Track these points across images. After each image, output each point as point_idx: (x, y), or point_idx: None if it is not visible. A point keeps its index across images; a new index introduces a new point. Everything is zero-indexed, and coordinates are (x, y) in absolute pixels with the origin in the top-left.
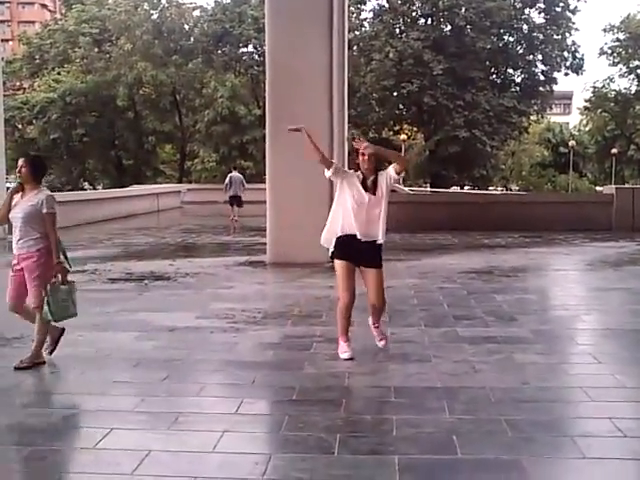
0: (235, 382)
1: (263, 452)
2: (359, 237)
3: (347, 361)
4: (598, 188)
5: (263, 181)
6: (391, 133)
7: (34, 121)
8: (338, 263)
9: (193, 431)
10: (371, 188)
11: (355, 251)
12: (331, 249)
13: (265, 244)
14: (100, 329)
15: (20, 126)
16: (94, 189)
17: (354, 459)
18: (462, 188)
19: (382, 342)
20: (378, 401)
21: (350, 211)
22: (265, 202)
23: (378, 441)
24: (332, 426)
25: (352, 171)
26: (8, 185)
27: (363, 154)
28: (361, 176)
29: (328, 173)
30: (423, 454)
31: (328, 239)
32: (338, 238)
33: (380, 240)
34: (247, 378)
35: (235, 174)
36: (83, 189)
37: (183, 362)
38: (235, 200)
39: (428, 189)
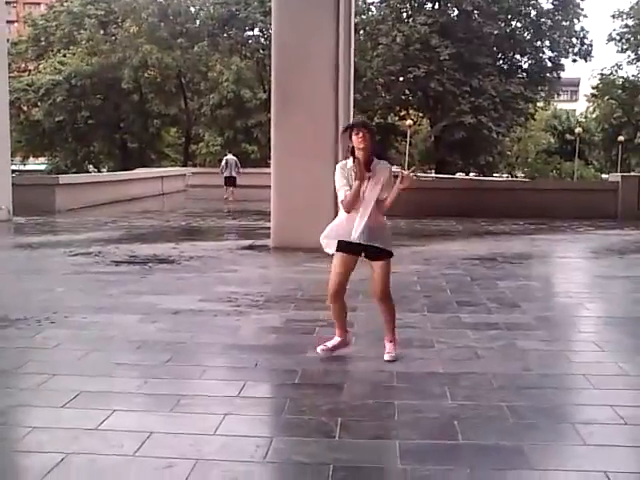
0: (238, 365)
1: (265, 435)
2: (356, 240)
3: (349, 346)
4: (604, 176)
5: (268, 165)
6: (397, 118)
7: (39, 103)
8: (335, 254)
9: (195, 413)
10: (366, 177)
11: (355, 245)
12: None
13: (269, 228)
14: (104, 311)
15: (25, 108)
16: (99, 172)
17: (355, 443)
18: (467, 174)
19: (388, 355)
20: (380, 386)
21: (348, 216)
22: (269, 186)
23: (380, 425)
24: (334, 410)
25: (344, 162)
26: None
27: (357, 132)
28: (357, 166)
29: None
30: (424, 439)
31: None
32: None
33: (381, 246)
34: (249, 361)
35: (230, 157)
36: (88, 172)
37: (186, 345)
38: (230, 181)
39: (433, 175)
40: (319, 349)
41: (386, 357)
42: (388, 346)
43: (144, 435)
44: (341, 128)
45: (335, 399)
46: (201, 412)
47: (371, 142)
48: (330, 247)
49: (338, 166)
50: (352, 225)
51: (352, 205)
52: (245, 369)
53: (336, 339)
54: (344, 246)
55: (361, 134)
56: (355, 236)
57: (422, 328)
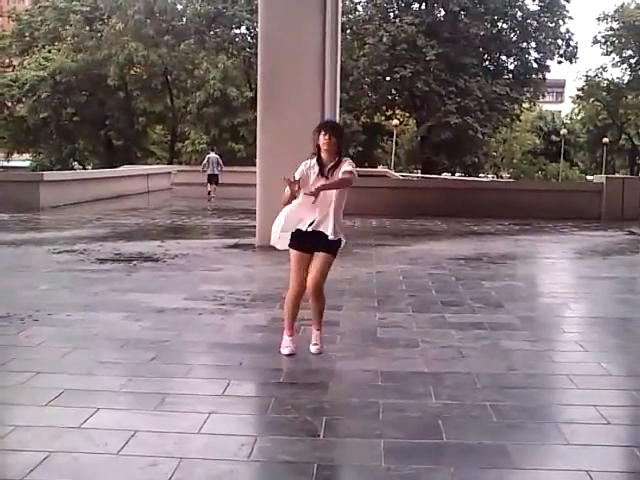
0: (222, 364)
1: (249, 434)
2: (305, 228)
3: (332, 344)
4: (588, 177)
5: (254, 164)
6: (383, 118)
7: (24, 99)
8: (291, 253)
9: (179, 412)
10: (328, 174)
11: (307, 240)
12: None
13: (254, 227)
14: (88, 309)
15: (9, 104)
16: (84, 169)
17: (340, 442)
18: (453, 175)
19: (315, 347)
20: (365, 385)
21: (300, 202)
22: (255, 185)
23: (364, 425)
24: (318, 409)
25: (309, 161)
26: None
27: (325, 134)
28: (316, 165)
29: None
30: (408, 438)
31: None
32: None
33: (330, 236)
34: (234, 360)
35: (212, 155)
36: (73, 169)
37: (171, 343)
38: (212, 178)
39: (419, 175)
40: (313, 349)
41: (313, 349)
42: (314, 335)
43: (128, 434)
44: None
45: (320, 398)
46: (185, 411)
47: (336, 145)
48: (282, 243)
49: (303, 163)
50: (304, 216)
51: (285, 204)
52: (230, 368)
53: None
54: (297, 244)
55: (327, 136)
56: (309, 228)
57: (407, 328)
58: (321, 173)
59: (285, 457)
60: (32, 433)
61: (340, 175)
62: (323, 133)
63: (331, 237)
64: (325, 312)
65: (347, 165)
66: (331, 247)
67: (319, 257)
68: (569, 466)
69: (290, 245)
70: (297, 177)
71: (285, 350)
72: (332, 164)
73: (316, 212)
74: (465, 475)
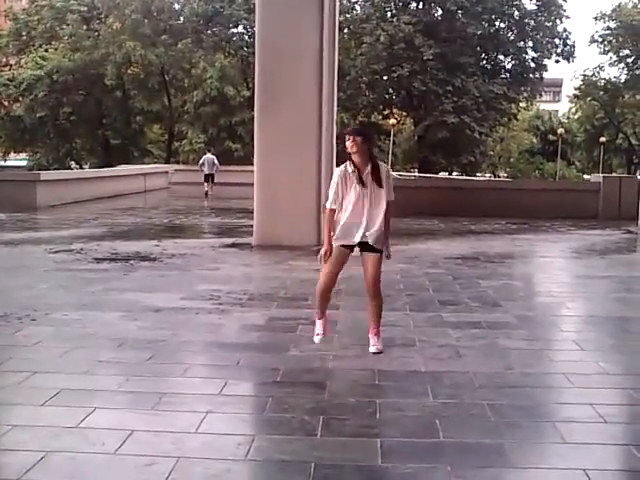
0: (220, 363)
1: (247, 433)
2: (356, 240)
3: (330, 344)
4: (586, 176)
5: (251, 163)
6: (380, 117)
7: (20, 99)
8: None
9: (177, 411)
10: (366, 181)
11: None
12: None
13: (252, 226)
14: (85, 308)
15: (6, 103)
16: (81, 168)
17: (337, 441)
18: (450, 174)
19: (375, 347)
20: (362, 384)
21: (351, 212)
22: (253, 184)
23: (361, 424)
24: (316, 408)
25: (344, 167)
26: None
27: (349, 138)
28: (356, 171)
29: (333, 206)
30: (406, 437)
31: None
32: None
33: (371, 242)
34: (232, 359)
35: (209, 155)
36: (70, 168)
37: (168, 343)
38: (209, 177)
39: (416, 174)
40: (317, 339)
41: (372, 349)
42: (373, 339)
43: (125, 433)
44: (324, 126)
45: (317, 397)
46: (183, 410)
47: (364, 147)
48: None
49: (337, 171)
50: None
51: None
52: (227, 367)
53: (320, 322)
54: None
55: (351, 139)
56: (360, 239)
57: (404, 327)
58: (360, 180)
59: (282, 456)
60: (29, 433)
61: (388, 192)
62: (347, 138)
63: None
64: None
65: (387, 177)
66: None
67: (370, 257)
68: (566, 464)
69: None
70: (336, 192)
71: (317, 338)
72: (368, 169)
73: (364, 219)
74: (463, 474)
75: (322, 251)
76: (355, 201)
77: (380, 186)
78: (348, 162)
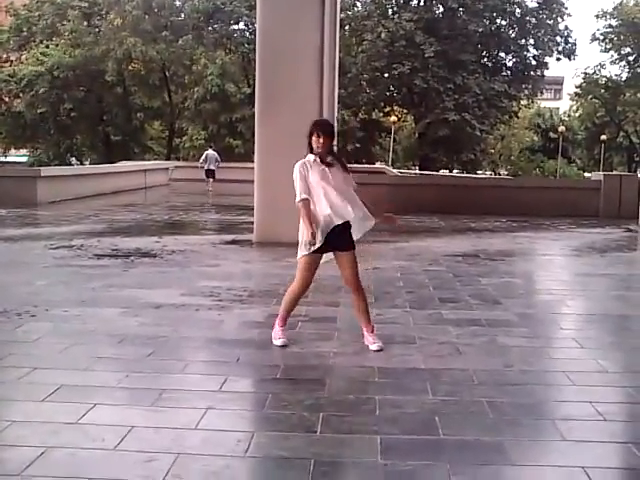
0: (219, 360)
1: (246, 430)
2: (335, 221)
3: (329, 341)
4: (586, 174)
5: (252, 160)
6: (381, 115)
7: (21, 95)
8: (308, 255)
9: (176, 408)
10: (335, 163)
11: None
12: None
13: (252, 223)
14: (85, 305)
15: (7, 99)
16: (81, 164)
17: (336, 438)
18: (451, 171)
19: (376, 345)
20: (362, 381)
21: (321, 196)
22: (253, 181)
23: (361, 421)
24: (315, 405)
25: (308, 159)
26: None
27: (319, 136)
28: (318, 159)
29: (304, 195)
30: (405, 434)
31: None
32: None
33: (352, 215)
34: (231, 356)
35: (210, 152)
36: (70, 164)
37: (168, 339)
38: (210, 173)
39: (417, 171)
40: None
41: (374, 347)
42: (372, 337)
43: (125, 429)
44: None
45: (316, 394)
46: (182, 406)
47: (330, 143)
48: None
49: (298, 164)
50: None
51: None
52: (227, 364)
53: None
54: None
55: (322, 139)
56: (351, 216)
57: (404, 324)
58: (325, 163)
59: (282, 453)
60: (29, 428)
61: (348, 181)
62: (316, 136)
63: (359, 216)
64: (322, 308)
65: (345, 167)
66: (351, 243)
67: (344, 256)
68: (565, 462)
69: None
70: (304, 195)
71: (279, 342)
72: (330, 158)
73: (336, 205)
74: (462, 471)
75: (307, 236)
76: (325, 184)
77: (345, 169)
78: (307, 156)
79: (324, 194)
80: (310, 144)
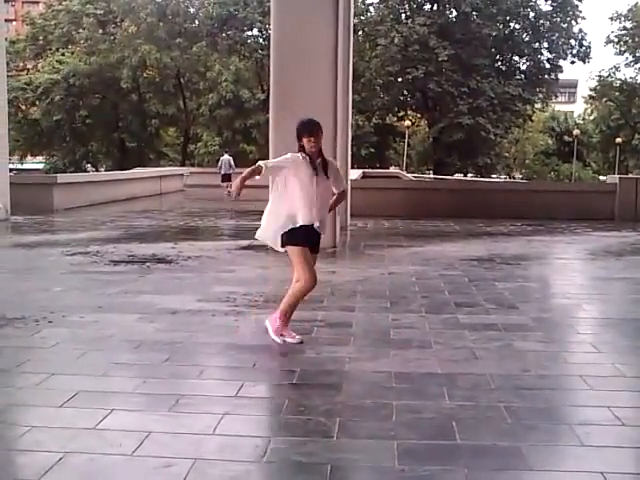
0: (236, 365)
1: (263, 435)
2: (315, 225)
3: (346, 346)
4: (601, 177)
5: None
6: (395, 119)
7: (37, 102)
8: (299, 249)
9: (193, 413)
10: (320, 170)
11: (312, 238)
12: (279, 241)
13: None
14: (102, 311)
15: (23, 107)
16: (97, 171)
17: (353, 443)
18: (465, 176)
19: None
20: (378, 386)
21: (302, 199)
22: (268, 186)
23: (378, 426)
24: (332, 410)
25: (297, 155)
26: (11, 166)
27: (310, 138)
28: (307, 158)
29: (269, 164)
30: (422, 439)
31: (271, 234)
32: (297, 229)
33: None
34: (248, 361)
35: (225, 157)
36: (86, 171)
37: (184, 345)
38: (226, 177)
39: (431, 176)
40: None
41: (271, 333)
42: (279, 323)
43: (142, 435)
44: (339, 129)
45: (333, 399)
46: (199, 412)
47: (320, 142)
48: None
49: (292, 154)
50: (306, 212)
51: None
52: (243, 369)
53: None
54: (305, 239)
55: (313, 138)
56: (316, 225)
57: (420, 329)
58: (313, 167)
59: (299, 458)
60: (47, 434)
61: (336, 184)
62: (308, 136)
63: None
64: (338, 313)
65: (336, 170)
66: (319, 245)
67: (313, 257)
68: (584, 467)
69: (298, 243)
70: (269, 164)
71: (295, 339)
72: (319, 160)
73: (314, 209)
74: (479, 476)
75: (234, 188)
76: (307, 185)
77: (327, 177)
78: (300, 153)
79: (302, 196)
80: (302, 146)
